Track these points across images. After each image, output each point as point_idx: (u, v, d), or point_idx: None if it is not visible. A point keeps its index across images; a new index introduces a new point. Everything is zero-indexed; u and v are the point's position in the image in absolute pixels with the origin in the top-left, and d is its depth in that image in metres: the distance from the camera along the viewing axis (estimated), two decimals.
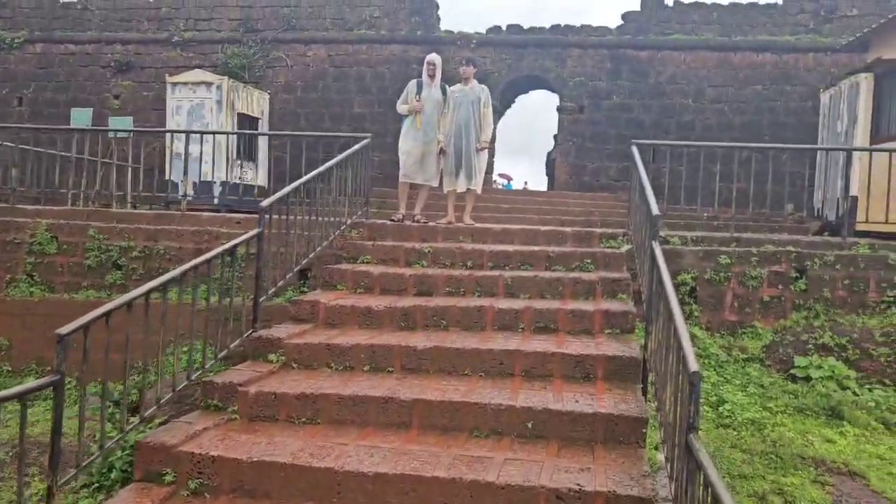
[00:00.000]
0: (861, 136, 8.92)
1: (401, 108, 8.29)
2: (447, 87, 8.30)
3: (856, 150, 7.76)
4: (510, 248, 7.05)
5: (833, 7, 17.11)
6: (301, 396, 4.52)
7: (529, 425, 4.25)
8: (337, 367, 5.13)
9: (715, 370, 6.29)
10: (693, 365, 2.86)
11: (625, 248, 7.14)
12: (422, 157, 8.18)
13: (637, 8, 17.57)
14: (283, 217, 6.13)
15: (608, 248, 7.24)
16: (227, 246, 5.08)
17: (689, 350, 2.97)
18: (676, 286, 7.05)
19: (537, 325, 5.63)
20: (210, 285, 4.89)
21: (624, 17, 17.67)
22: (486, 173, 17.75)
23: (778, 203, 16.54)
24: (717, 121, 16.75)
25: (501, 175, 41.92)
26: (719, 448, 4.94)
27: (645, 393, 4.73)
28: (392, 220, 8.10)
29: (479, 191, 8.34)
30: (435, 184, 8.41)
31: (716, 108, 16.80)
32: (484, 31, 17.98)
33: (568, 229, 7.68)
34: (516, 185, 40.46)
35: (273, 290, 5.92)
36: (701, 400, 5.63)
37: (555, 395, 4.54)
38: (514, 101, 22.10)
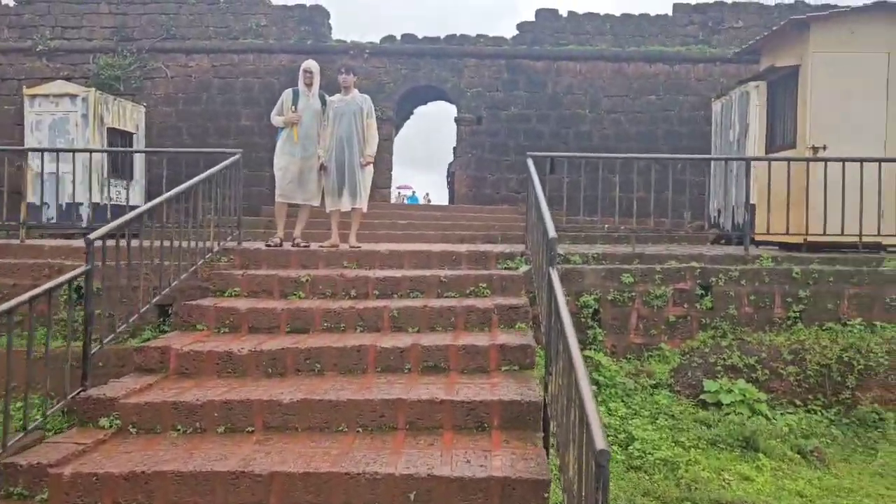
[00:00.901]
0: (756, 145, 8.77)
1: (275, 119, 7.47)
2: (326, 96, 7.55)
3: (755, 159, 7.52)
4: (399, 273, 6.36)
5: (720, 19, 17.42)
6: (130, 476, 3.65)
7: (412, 496, 3.54)
8: (185, 429, 4.27)
9: (622, 401, 5.78)
10: (600, 441, 2.23)
11: (523, 269, 6.58)
12: (300, 173, 7.38)
13: (532, 18, 17.37)
14: (134, 245, 5.24)
15: (505, 269, 6.67)
16: (37, 291, 4.13)
17: (594, 420, 2.34)
18: (579, 308, 6.55)
19: (426, 365, 4.94)
20: (9, 337, 3.93)
21: (519, 27, 17.42)
22: (383, 187, 17.10)
23: (677, 212, 16.62)
24: (614, 130, 16.69)
25: (402, 187, 41.34)
26: (631, 498, 4.39)
27: (547, 444, 4.12)
28: (268, 245, 7.26)
29: (364, 209, 7.59)
30: (316, 203, 7.62)
31: (612, 117, 16.74)
32: (378, 41, 17.34)
33: (463, 249, 7.06)
34: (419, 197, 39.97)
35: (111, 336, 4.98)
36: (609, 439, 5.10)
37: (443, 454, 3.86)
38: (412, 113, 21.55)
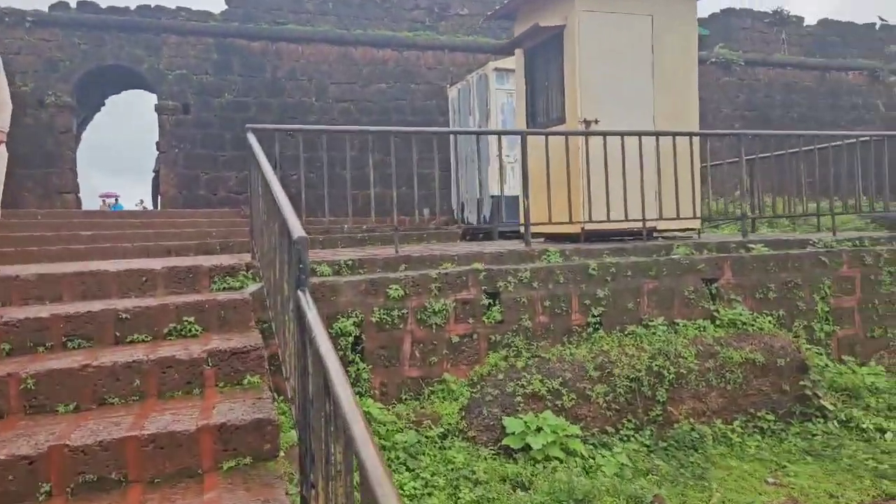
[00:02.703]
0: (514, 123, 7.64)
1: None
2: None
3: (531, 133, 6.28)
4: (50, 310, 3.98)
5: (446, 5, 16.71)
6: None
7: None
8: None
9: (406, 466, 4.09)
10: None
11: (251, 288, 4.59)
12: None
13: None
14: None
15: (224, 290, 4.62)
16: None
17: None
18: (335, 338, 4.71)
19: (83, 481, 2.76)
20: None
21: (229, 1, 15.08)
22: (67, 192, 13.63)
23: (413, 207, 15.52)
24: (344, 121, 15.10)
25: (107, 195, 35.89)
26: None
27: None
28: None
29: None
30: None
31: (341, 106, 15.15)
32: (46, 9, 13.82)
33: (158, 266, 4.82)
34: (131, 206, 34.92)
35: None
36: None
37: None
38: (103, 104, 17.98)
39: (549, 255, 5.54)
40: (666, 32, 6.76)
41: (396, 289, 4.83)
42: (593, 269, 5.37)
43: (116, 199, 35.41)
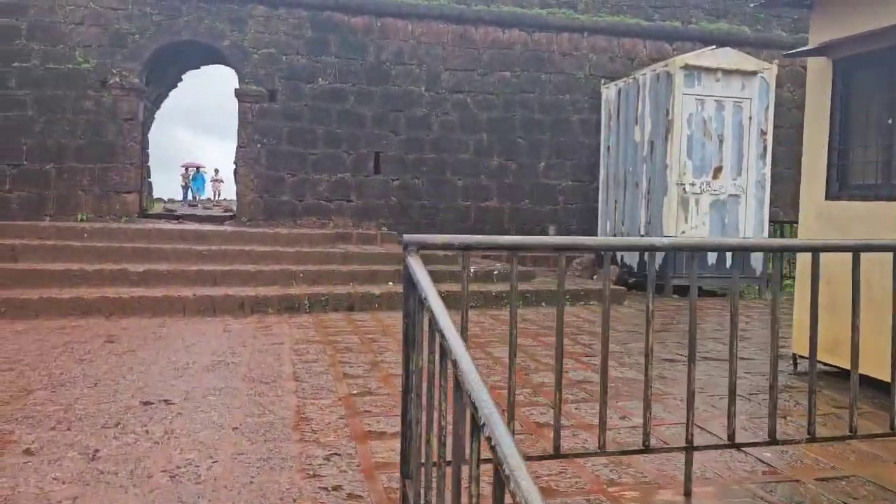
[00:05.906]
0: (809, 178, 4.62)
1: None
2: None
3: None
4: None
5: None
6: None
7: None
8: None
9: None
10: None
11: None
12: None
13: None
14: None
15: None
16: None
17: None
18: None
19: None
20: None
21: None
22: (127, 191, 11.28)
23: (539, 225, 12.75)
24: (459, 116, 12.32)
25: (189, 165, 34.04)
26: None
27: None
28: None
29: None
30: None
31: (456, 98, 12.34)
32: None
33: None
34: (206, 176, 33.03)
35: None
36: None
37: None
38: (180, 80, 15.70)
39: None
40: None
41: None
42: None
43: (198, 170, 33.52)
